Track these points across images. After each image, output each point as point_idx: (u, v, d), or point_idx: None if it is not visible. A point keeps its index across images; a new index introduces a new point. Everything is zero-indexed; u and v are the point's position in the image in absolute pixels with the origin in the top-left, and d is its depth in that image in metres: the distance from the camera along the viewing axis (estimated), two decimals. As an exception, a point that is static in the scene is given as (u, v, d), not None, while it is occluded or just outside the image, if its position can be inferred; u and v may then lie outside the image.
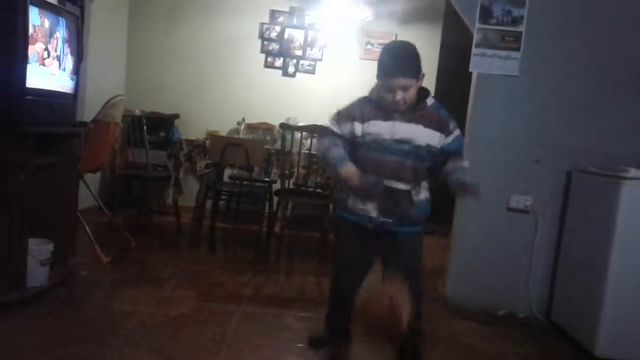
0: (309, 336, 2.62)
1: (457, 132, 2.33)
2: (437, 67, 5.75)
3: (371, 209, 2.26)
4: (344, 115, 2.33)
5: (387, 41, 5.67)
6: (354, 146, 2.31)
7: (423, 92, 2.30)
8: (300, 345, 2.57)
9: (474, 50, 3.23)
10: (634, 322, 2.63)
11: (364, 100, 2.35)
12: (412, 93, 2.21)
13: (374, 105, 2.29)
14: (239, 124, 5.36)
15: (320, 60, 5.76)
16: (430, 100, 2.31)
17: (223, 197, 4.93)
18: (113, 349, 2.33)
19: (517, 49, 3.19)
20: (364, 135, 2.27)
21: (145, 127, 4.52)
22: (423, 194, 2.33)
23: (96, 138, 3.62)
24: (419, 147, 2.24)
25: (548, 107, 3.27)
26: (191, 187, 5.00)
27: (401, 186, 2.25)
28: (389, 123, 2.24)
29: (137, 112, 4.56)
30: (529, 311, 3.30)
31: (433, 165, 2.33)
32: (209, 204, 4.48)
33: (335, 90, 5.67)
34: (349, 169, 2.20)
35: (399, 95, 2.18)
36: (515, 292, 3.33)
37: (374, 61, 5.99)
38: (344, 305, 2.21)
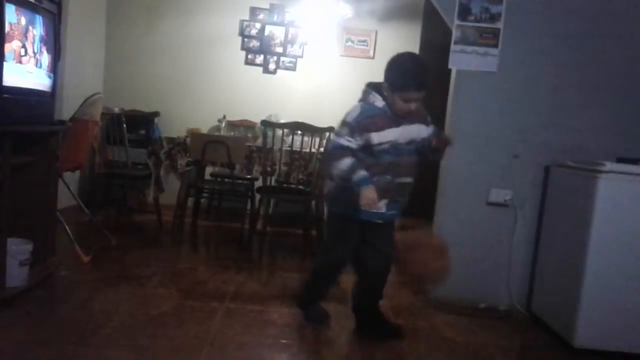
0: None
1: (429, 118, 2.62)
2: (417, 63, 5.78)
3: (382, 206, 2.49)
4: (356, 128, 2.41)
5: (367, 39, 5.76)
6: (365, 152, 2.43)
7: None
8: (284, 341, 2.58)
9: (452, 47, 3.25)
10: (611, 313, 2.68)
11: (370, 110, 2.45)
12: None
13: (383, 114, 2.44)
14: (220, 121, 5.34)
15: (301, 57, 5.76)
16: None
17: (204, 194, 4.91)
18: (94, 348, 2.31)
19: (495, 46, 3.23)
20: (381, 143, 2.43)
21: (125, 125, 4.48)
22: None
23: (75, 136, 3.58)
24: (419, 142, 2.55)
25: (527, 103, 3.31)
26: (172, 185, 4.97)
27: (409, 180, 2.56)
28: (400, 128, 2.46)
29: (117, 110, 4.52)
30: (510, 304, 3.35)
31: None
32: (190, 202, 4.46)
33: (316, 87, 5.69)
34: (371, 193, 2.34)
35: (414, 105, 2.41)
36: (496, 285, 3.37)
37: (354, 58, 6.07)
38: (332, 281, 2.89)
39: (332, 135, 2.57)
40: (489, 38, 3.22)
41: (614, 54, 3.27)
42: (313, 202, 4.35)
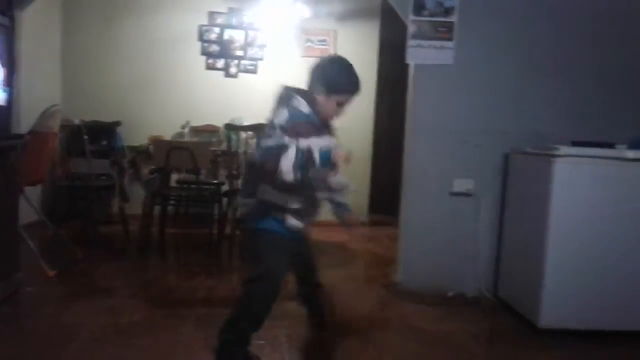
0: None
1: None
2: (378, 62, 5.85)
3: (303, 223, 2.28)
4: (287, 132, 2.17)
5: (327, 38, 5.79)
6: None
7: None
8: (257, 341, 2.58)
9: (409, 42, 3.31)
10: (573, 293, 2.76)
11: (297, 115, 2.22)
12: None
13: (310, 120, 2.21)
14: (183, 127, 5.30)
15: (262, 59, 5.76)
16: None
17: (171, 202, 4.87)
18: (64, 361, 2.28)
19: (450, 39, 3.29)
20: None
21: (86, 136, 4.41)
22: None
23: (34, 150, 3.51)
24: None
25: (484, 93, 3.39)
26: (137, 194, 4.91)
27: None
28: (322, 138, 2.22)
29: (77, 121, 4.46)
30: (477, 290, 3.42)
31: None
32: (157, 210, 4.42)
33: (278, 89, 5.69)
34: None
35: (343, 110, 2.28)
36: (463, 273, 3.44)
37: (314, 58, 6.06)
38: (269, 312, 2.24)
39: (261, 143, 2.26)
40: (443, 32, 3.28)
41: (567, 43, 3.38)
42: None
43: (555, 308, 2.77)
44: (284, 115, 2.22)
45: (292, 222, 2.22)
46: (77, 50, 5.53)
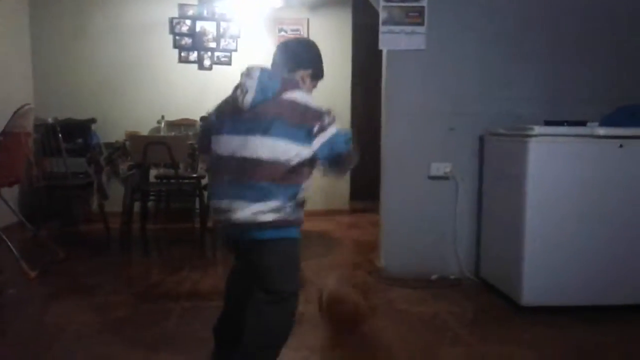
0: None
1: None
2: (352, 49, 5.85)
3: None
4: None
5: (300, 27, 5.78)
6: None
7: None
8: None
9: (381, 28, 3.32)
10: (552, 270, 2.82)
11: None
12: None
13: None
14: (158, 122, 5.26)
15: (236, 50, 5.73)
16: None
17: (151, 197, 4.84)
18: (50, 361, 2.28)
19: (422, 24, 3.31)
20: None
21: (60, 135, 4.36)
22: None
23: (8, 150, 3.47)
24: None
25: (457, 77, 3.42)
26: (116, 191, 4.85)
27: None
28: None
29: (50, 120, 4.40)
30: (460, 272, 3.47)
31: None
32: (137, 206, 4.39)
33: (253, 80, 5.67)
34: None
35: None
36: (445, 255, 3.49)
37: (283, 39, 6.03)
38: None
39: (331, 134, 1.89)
40: (414, 17, 3.30)
41: (537, 25, 3.42)
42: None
43: (537, 285, 2.82)
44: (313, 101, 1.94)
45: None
46: (48, 48, 5.44)
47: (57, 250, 3.85)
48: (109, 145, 4.54)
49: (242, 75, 1.92)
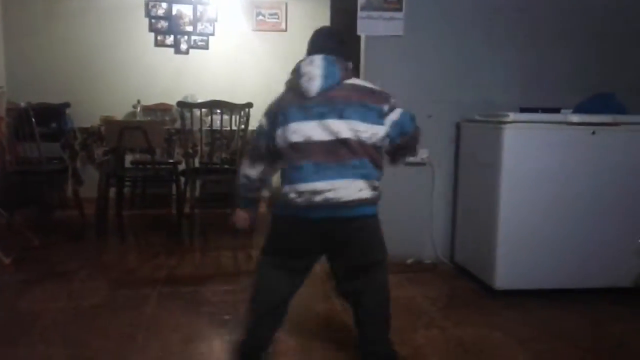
0: None
1: None
2: (330, 33, 5.83)
3: None
4: None
5: (278, 11, 5.74)
6: None
7: None
8: (221, 317, 2.61)
9: (359, 13, 3.32)
10: (525, 254, 2.87)
11: None
12: None
13: None
14: (134, 106, 5.20)
15: (213, 34, 5.67)
16: None
17: (127, 183, 4.79)
18: (25, 348, 2.25)
19: (400, 9, 3.32)
20: None
21: (34, 120, 4.27)
22: None
23: (-21, 135, 3.40)
24: None
25: (434, 63, 3.44)
26: (91, 176, 4.80)
27: None
28: None
29: (23, 104, 4.30)
30: (435, 256, 3.52)
31: None
32: (112, 192, 4.35)
33: (231, 64, 5.64)
34: None
35: None
36: (421, 240, 3.53)
37: (267, 32, 6.04)
38: None
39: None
40: (393, 2, 3.30)
41: (513, 12, 3.44)
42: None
43: (510, 270, 2.88)
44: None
45: None
46: (20, 31, 5.32)
47: (31, 237, 3.80)
48: (83, 130, 4.48)
49: (303, 64, 1.99)
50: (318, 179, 1.86)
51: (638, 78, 3.49)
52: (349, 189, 1.87)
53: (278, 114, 1.98)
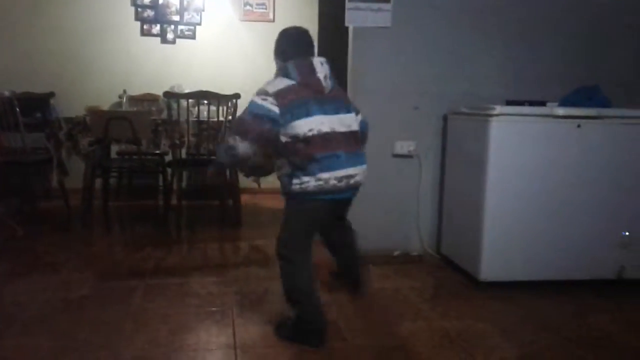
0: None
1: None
2: (318, 23, 5.80)
3: None
4: None
5: (266, 2, 5.71)
6: None
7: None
8: (208, 309, 2.61)
9: (347, 4, 3.31)
10: (510, 247, 2.90)
11: None
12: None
13: None
14: (120, 97, 5.14)
15: (200, 24, 5.62)
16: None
17: (113, 174, 4.76)
18: (10, 339, 2.24)
19: (388, 1, 3.31)
20: None
21: (18, 109, 4.22)
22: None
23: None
24: None
25: (422, 55, 3.44)
26: (77, 167, 4.76)
27: None
28: None
29: (7, 93, 4.24)
30: (421, 248, 3.54)
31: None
32: (98, 183, 4.32)
33: (218, 54, 5.61)
34: None
35: None
36: (408, 232, 3.55)
37: (254, 22, 6.01)
38: None
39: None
40: (381, -6, 3.29)
41: (500, 4, 3.45)
42: (227, 171, 4.34)
43: (495, 262, 2.91)
44: None
45: None
46: (4, 20, 5.24)
47: (16, 228, 3.77)
48: (68, 120, 4.43)
49: (317, 63, 2.28)
50: (350, 165, 2.23)
51: (621, 71, 3.53)
52: (363, 173, 2.32)
53: (300, 106, 2.16)
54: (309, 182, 2.15)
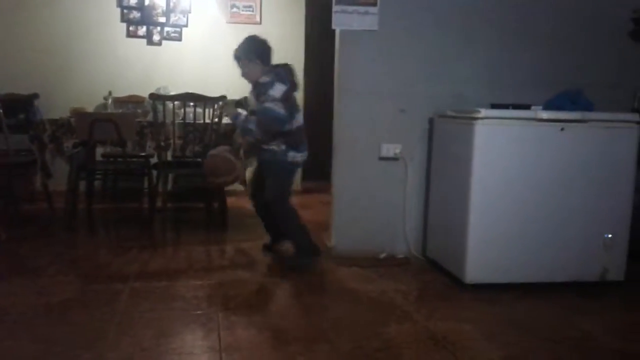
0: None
1: (265, 103, 3.08)
2: (305, 27, 5.82)
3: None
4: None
5: (253, 4, 5.70)
6: None
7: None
8: (193, 312, 2.60)
9: (334, 7, 3.32)
10: (495, 249, 2.92)
11: None
12: (248, 72, 3.21)
13: None
14: (105, 98, 5.11)
15: (186, 26, 5.61)
16: (263, 78, 3.14)
17: (97, 176, 4.73)
18: (-8, 344, 2.22)
19: (375, 4, 3.33)
20: None
21: (1, 111, 4.18)
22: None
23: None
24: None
25: (408, 59, 3.46)
26: (61, 169, 4.73)
27: None
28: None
29: (-10, 94, 4.21)
30: (407, 251, 3.56)
31: None
32: (82, 185, 4.28)
33: (204, 56, 5.60)
34: None
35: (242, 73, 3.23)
36: (394, 235, 3.56)
37: (241, 24, 6.00)
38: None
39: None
40: (367, -4, 3.31)
41: (485, 8, 3.48)
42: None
43: (480, 264, 2.92)
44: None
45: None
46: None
47: (-1, 230, 3.73)
48: (52, 121, 4.39)
49: (293, 70, 3.19)
50: (307, 150, 3.27)
51: (604, 75, 3.57)
52: None
53: (293, 106, 3.17)
54: (296, 156, 3.19)
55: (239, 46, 3.23)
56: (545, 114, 2.89)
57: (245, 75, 3.21)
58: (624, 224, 3.03)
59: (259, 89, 3.13)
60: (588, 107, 3.03)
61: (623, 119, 2.99)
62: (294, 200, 3.40)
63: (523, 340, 2.37)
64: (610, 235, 3.00)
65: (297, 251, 3.28)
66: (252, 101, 3.24)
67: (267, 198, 3.21)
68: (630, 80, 3.58)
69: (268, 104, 3.03)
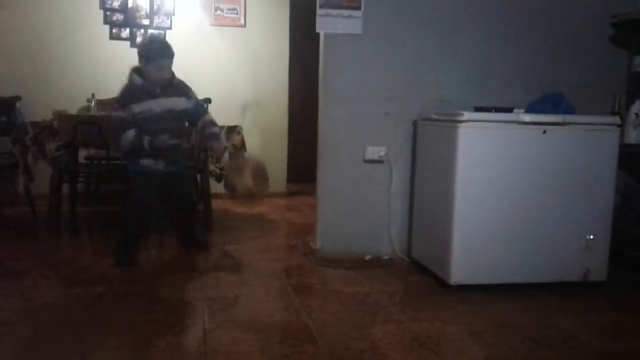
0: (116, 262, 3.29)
1: (195, 96, 3.47)
2: (290, 29, 5.82)
3: (159, 162, 3.33)
4: (124, 103, 3.24)
5: (237, 7, 5.70)
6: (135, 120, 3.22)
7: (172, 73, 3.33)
8: (181, 314, 2.58)
9: (318, 11, 3.33)
10: (479, 250, 2.94)
11: (131, 87, 3.27)
12: (170, 71, 3.29)
13: (142, 89, 3.24)
14: (89, 101, 5.05)
15: (170, 28, 5.59)
16: (176, 78, 3.36)
17: (80, 179, 4.68)
18: (-27, 349, 2.18)
19: (358, 8, 3.35)
20: (140, 112, 3.21)
21: (-19, 113, 4.14)
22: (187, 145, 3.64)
23: None
24: (179, 112, 3.36)
25: (392, 61, 3.48)
26: (44, 172, 4.67)
27: (175, 141, 3.35)
28: (157, 100, 3.25)
29: (-30, 97, 4.16)
30: (392, 252, 3.57)
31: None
32: (65, 188, 4.24)
33: (188, 59, 5.54)
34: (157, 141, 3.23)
35: (167, 72, 3.25)
36: (379, 236, 3.58)
37: (225, 27, 5.99)
38: (141, 223, 3.44)
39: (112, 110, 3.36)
40: (351, 0, 3.32)
41: (468, 10, 3.51)
42: (198, 177, 4.32)
43: (464, 265, 2.94)
44: (121, 90, 3.33)
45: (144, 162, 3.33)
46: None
47: (-21, 234, 3.67)
48: (35, 124, 4.34)
49: None
50: None
51: (585, 79, 3.61)
52: None
53: None
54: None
55: (169, 45, 3.35)
56: (527, 117, 2.93)
57: (168, 74, 3.30)
58: (606, 225, 3.07)
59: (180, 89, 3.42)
60: (569, 110, 3.07)
61: (604, 122, 3.03)
62: (280, 202, 3.39)
63: (506, 340, 2.39)
64: (592, 237, 3.04)
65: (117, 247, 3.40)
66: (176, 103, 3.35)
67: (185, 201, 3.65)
68: (610, 84, 3.64)
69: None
